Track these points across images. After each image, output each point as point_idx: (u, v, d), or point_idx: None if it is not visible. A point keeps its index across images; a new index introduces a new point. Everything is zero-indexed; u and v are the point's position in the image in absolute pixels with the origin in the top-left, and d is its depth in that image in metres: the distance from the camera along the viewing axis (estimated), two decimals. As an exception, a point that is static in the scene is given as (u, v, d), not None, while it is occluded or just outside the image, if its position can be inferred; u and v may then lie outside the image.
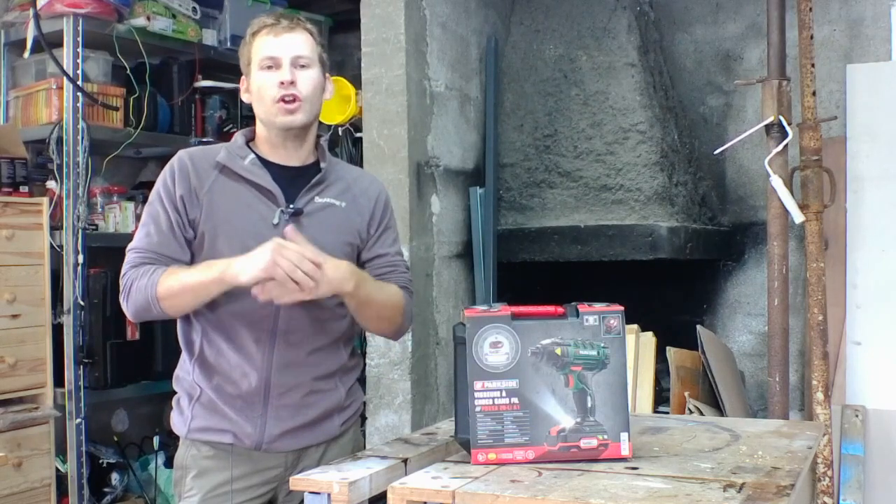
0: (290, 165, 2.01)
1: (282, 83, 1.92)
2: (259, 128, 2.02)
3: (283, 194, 1.95)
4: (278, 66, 1.93)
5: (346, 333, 2.04)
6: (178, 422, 2.03)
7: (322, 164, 2.02)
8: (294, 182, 1.98)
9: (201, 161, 1.98)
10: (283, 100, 1.92)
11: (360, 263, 2.04)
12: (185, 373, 2.01)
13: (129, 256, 1.95)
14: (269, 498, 2.02)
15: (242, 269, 1.79)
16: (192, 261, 1.96)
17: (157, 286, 1.86)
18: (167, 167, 1.98)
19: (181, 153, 2.00)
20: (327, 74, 2.04)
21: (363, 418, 2.20)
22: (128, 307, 1.93)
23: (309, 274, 1.76)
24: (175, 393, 2.06)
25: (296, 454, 2.00)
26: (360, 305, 1.95)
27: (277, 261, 1.75)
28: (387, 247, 2.08)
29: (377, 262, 2.06)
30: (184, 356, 2.02)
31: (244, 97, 2.01)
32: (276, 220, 1.93)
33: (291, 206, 1.94)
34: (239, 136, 2.03)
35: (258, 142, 2.03)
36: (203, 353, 1.96)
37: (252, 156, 1.98)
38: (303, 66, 1.95)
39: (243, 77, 2.01)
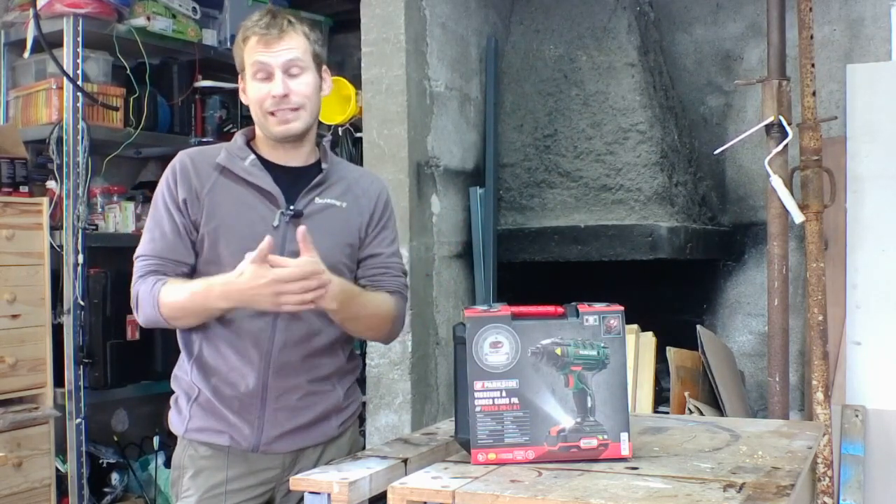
0: (291, 166, 1.99)
1: (274, 96, 1.90)
2: (258, 129, 2.01)
3: (283, 196, 1.94)
4: (270, 76, 1.91)
5: (344, 336, 2.02)
6: (175, 421, 2.02)
7: (324, 165, 2.01)
8: (295, 183, 1.97)
9: (201, 162, 1.96)
10: (276, 112, 1.91)
11: (357, 262, 2.04)
12: (184, 373, 2.00)
13: (137, 265, 1.95)
14: (266, 499, 2.01)
15: (242, 302, 1.80)
16: (195, 263, 1.96)
17: (160, 305, 1.87)
18: (168, 169, 1.97)
19: (181, 155, 1.99)
20: (325, 68, 2.01)
21: (361, 419, 2.20)
22: (139, 318, 1.94)
23: (313, 298, 1.78)
24: (173, 392, 2.06)
25: (293, 455, 1.99)
26: (344, 321, 1.94)
27: (283, 300, 1.76)
28: (383, 247, 2.05)
29: (371, 262, 2.04)
30: (182, 356, 2.02)
31: (242, 98, 2.00)
32: (276, 223, 1.92)
33: (291, 207, 1.94)
34: (239, 137, 2.02)
35: (258, 142, 2.02)
36: (202, 353, 1.96)
37: (252, 157, 1.97)
38: (296, 72, 1.92)
39: (240, 77, 2.00)
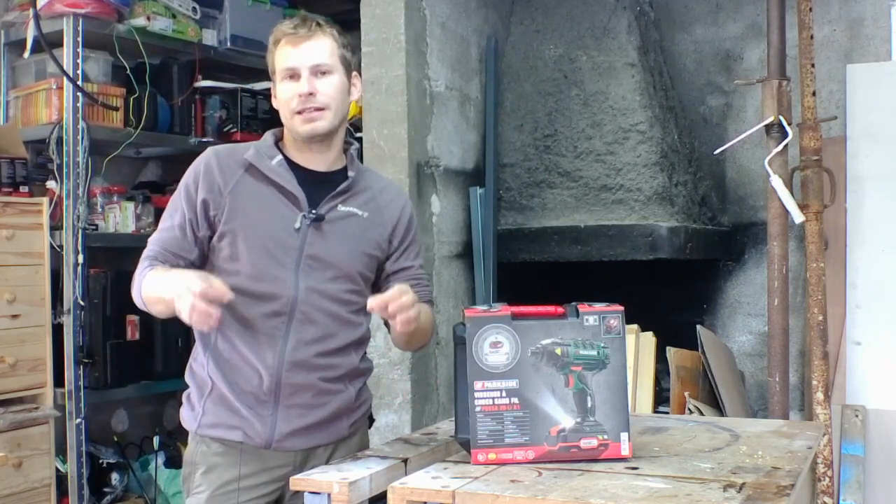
0: (317, 170, 2.01)
1: (300, 95, 1.92)
2: (286, 131, 2.03)
3: (306, 199, 1.96)
4: (297, 76, 1.94)
5: (360, 339, 2.05)
6: (187, 417, 2.03)
7: (350, 173, 2.03)
8: (319, 187, 1.98)
9: (228, 159, 1.99)
10: (302, 111, 1.93)
11: (385, 275, 2.07)
12: (200, 366, 2.01)
13: (147, 247, 1.99)
14: (276, 497, 2.02)
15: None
16: (207, 259, 1.98)
17: (142, 290, 1.90)
18: (195, 164, 1.99)
19: (209, 152, 2.01)
20: (355, 74, 2.04)
21: (370, 420, 2.21)
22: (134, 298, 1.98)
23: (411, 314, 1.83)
24: (185, 388, 2.06)
25: (304, 454, 2.00)
26: (411, 334, 1.94)
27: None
28: (411, 260, 2.11)
29: (402, 275, 2.08)
30: (198, 347, 2.03)
31: (274, 103, 2.02)
32: (297, 225, 1.94)
33: (314, 211, 1.95)
34: (269, 136, 2.04)
35: (286, 143, 2.03)
36: (217, 346, 1.97)
37: (280, 157, 1.99)
38: (323, 73, 1.95)
39: (272, 82, 2.02)
